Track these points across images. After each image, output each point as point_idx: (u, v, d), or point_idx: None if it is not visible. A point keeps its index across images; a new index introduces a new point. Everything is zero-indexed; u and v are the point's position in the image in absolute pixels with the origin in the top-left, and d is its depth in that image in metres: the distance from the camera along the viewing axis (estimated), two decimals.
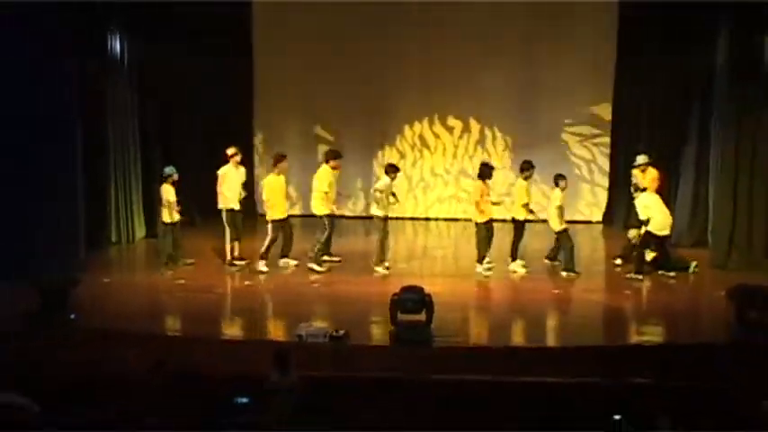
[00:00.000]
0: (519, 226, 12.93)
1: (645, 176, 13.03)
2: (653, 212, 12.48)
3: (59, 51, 11.96)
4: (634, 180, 13.46)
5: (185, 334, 10.34)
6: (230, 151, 13.01)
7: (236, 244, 13.10)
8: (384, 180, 12.80)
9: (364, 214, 16.45)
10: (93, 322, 10.13)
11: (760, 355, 9.19)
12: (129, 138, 14.77)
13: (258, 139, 17.39)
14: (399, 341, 9.62)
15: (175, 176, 12.72)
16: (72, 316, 10.10)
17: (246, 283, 12.34)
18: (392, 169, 12.88)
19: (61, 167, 12.18)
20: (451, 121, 17.18)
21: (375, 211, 12.90)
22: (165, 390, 7.76)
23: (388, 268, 12.78)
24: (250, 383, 7.62)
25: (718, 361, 9.17)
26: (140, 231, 15.10)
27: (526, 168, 12.94)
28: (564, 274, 12.68)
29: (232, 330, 10.68)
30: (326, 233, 12.83)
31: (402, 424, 6.49)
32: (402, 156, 17.18)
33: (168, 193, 12.65)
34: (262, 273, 12.64)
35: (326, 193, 12.71)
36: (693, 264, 12.90)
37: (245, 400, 7.16)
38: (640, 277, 12.43)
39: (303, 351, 9.03)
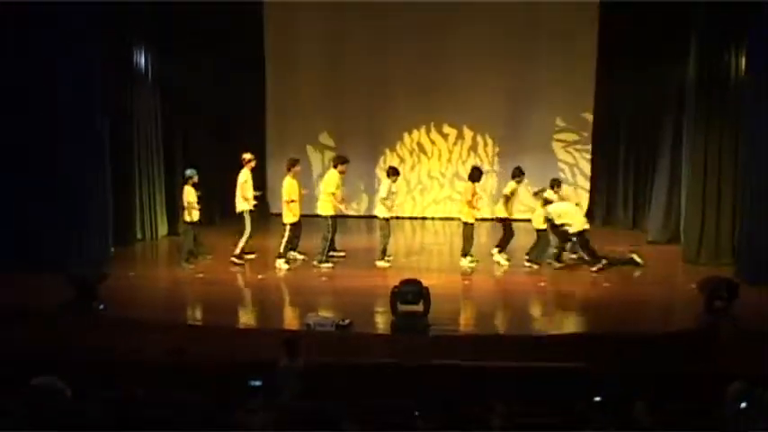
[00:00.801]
0: (507, 224, 12.96)
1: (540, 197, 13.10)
2: (568, 218, 12.59)
3: (90, 59, 11.99)
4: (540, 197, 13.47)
5: (203, 323, 10.39)
6: (247, 156, 12.99)
7: (249, 240, 13.14)
8: (386, 185, 12.84)
9: (366, 214, 16.47)
10: (120, 312, 10.17)
11: (725, 341, 9.23)
12: (152, 142, 14.76)
13: (270, 144, 17.38)
14: (399, 330, 9.65)
15: (195, 178, 12.70)
16: (101, 306, 10.13)
17: (259, 276, 12.35)
18: (393, 172, 12.94)
19: (91, 170, 12.20)
20: (446, 129, 17.18)
21: (379, 212, 12.92)
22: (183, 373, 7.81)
23: (389, 261, 12.84)
24: (262, 368, 7.65)
25: (689, 347, 9.21)
26: (163, 229, 15.10)
27: (517, 174, 12.99)
28: (527, 264, 12.74)
29: (246, 320, 10.70)
30: (330, 233, 12.83)
31: (401, 406, 6.50)
32: (402, 160, 17.16)
33: (189, 194, 12.65)
34: (281, 270, 12.62)
35: (333, 194, 12.72)
36: (635, 256, 13.00)
37: (257, 382, 7.18)
38: (604, 262, 12.54)
39: (312, 339, 9.07)
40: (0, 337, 8.83)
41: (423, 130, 17.24)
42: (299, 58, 16.89)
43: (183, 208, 12.82)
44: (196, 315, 10.92)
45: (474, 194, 12.75)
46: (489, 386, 7.96)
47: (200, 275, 12.27)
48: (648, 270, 12.68)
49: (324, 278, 12.25)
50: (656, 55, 14.59)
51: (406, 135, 17.27)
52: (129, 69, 14.11)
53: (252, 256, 13.17)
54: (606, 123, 16.36)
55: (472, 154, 17.10)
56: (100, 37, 12.17)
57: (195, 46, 15.19)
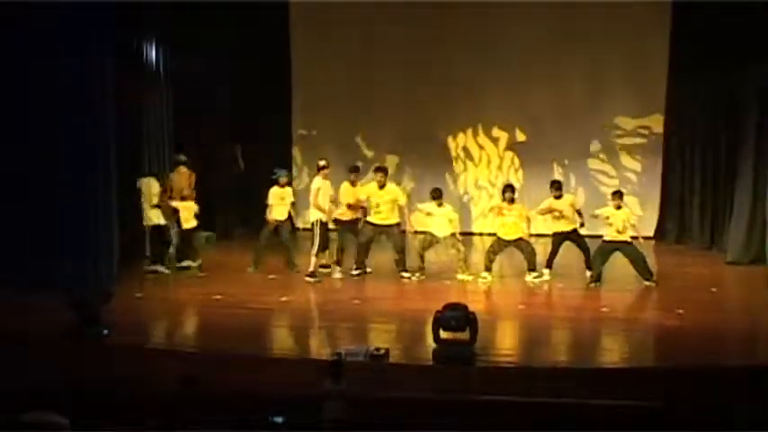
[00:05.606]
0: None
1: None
2: None
3: (98, 60, 12.07)
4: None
5: (220, 350, 10.34)
6: (322, 162, 13.43)
7: (322, 253, 13.33)
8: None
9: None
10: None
11: None
12: (162, 149, 14.84)
13: (296, 150, 17.49)
14: (441, 360, 9.54)
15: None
16: (105, 332, 10.14)
17: (283, 298, 12.30)
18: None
19: (95, 175, 12.26)
20: (496, 132, 17.13)
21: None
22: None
23: (472, 275, 13.28)
24: (286, 402, 7.59)
25: None
26: None
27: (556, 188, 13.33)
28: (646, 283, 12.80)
29: (269, 347, 10.63)
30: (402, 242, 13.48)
31: None
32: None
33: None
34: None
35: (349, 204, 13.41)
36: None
37: (279, 419, 7.13)
38: None
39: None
40: None
41: (469, 133, 17.17)
42: (330, 54, 16.98)
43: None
44: (212, 341, 10.86)
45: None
46: (546, 427, 7.83)
47: (218, 297, 12.25)
48: (730, 295, 12.47)
49: (357, 300, 12.20)
50: (737, 51, 14.42)
51: (450, 139, 17.22)
52: (139, 70, 14.26)
53: (328, 270, 13.38)
54: (679, 126, 16.29)
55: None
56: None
57: (213, 41, 15.31)
